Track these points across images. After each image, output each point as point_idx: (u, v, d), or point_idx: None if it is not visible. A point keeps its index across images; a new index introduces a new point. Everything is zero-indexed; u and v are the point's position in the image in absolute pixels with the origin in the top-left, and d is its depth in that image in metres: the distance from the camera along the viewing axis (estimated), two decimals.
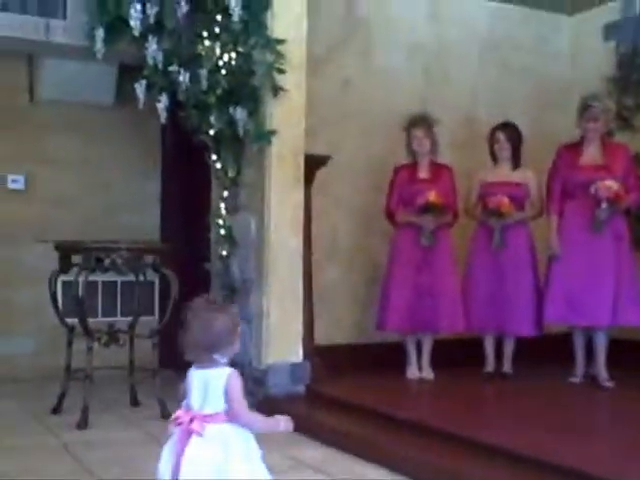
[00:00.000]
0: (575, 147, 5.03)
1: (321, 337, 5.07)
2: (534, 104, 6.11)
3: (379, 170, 5.42)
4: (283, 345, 4.66)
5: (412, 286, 5.00)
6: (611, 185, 4.71)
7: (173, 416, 2.37)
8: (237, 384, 2.30)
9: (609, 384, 4.75)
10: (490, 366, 5.17)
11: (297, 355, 4.69)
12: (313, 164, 4.84)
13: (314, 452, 3.83)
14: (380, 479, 3.40)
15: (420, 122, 5.12)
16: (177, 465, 2.27)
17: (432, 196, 4.95)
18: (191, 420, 2.29)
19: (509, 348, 5.17)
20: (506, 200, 5.00)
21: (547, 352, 5.30)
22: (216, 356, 2.31)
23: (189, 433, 2.29)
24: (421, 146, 5.13)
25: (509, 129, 5.19)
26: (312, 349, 4.86)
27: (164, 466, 2.33)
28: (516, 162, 5.20)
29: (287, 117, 4.67)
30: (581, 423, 3.93)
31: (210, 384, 2.30)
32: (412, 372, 5.10)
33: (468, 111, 5.93)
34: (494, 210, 5.03)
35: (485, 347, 5.19)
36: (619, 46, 6.06)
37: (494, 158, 5.25)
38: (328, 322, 5.26)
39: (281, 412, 4.45)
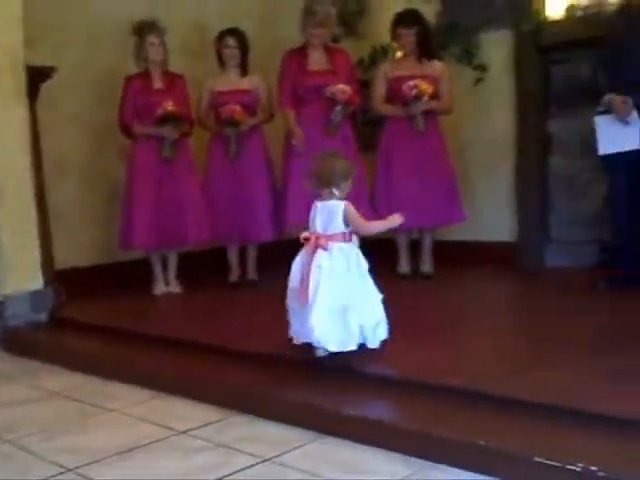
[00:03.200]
0: (300, 52, 5.13)
1: (61, 261, 4.84)
2: (262, 9, 6.11)
3: (109, 81, 5.17)
4: (20, 273, 4.41)
5: (155, 200, 4.91)
6: (345, 89, 4.90)
7: (302, 236, 3.10)
8: (352, 209, 3.09)
9: None
10: (235, 275, 5.28)
11: (37, 282, 4.47)
12: (37, 76, 4.51)
13: (63, 380, 3.71)
14: (131, 395, 3.38)
15: (154, 28, 4.94)
16: (307, 271, 3.04)
17: (171, 106, 4.84)
18: (317, 238, 3.04)
19: (252, 255, 5.29)
20: (238, 108, 5.02)
21: (287, 256, 5.49)
22: (334, 190, 3.10)
23: (316, 247, 3.05)
24: (157, 54, 4.97)
25: (238, 34, 5.16)
26: (52, 274, 4.64)
27: (294, 274, 3.15)
28: (245, 68, 5.20)
29: (2, 24, 4.28)
30: None
31: (332, 212, 3.08)
32: (159, 288, 5.07)
33: (197, 17, 5.79)
34: (228, 119, 5.03)
35: (229, 257, 5.27)
36: None
37: (222, 64, 5.21)
38: (68, 245, 5.03)
39: (23, 343, 4.30)
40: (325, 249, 3.05)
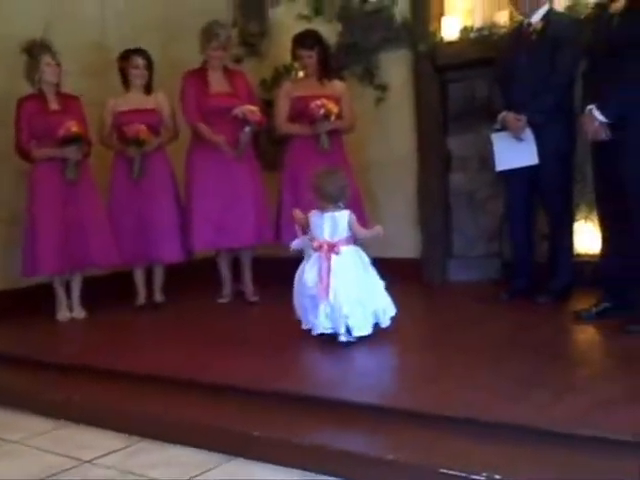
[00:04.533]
0: (200, 74, 5.13)
1: None
2: (163, 30, 6.06)
3: (2, 102, 4.99)
4: None
5: (60, 224, 4.78)
6: (254, 109, 4.95)
7: (314, 244, 3.66)
8: (354, 217, 3.71)
9: (256, 299, 5.05)
10: (141, 298, 5.20)
11: None
12: None
13: None
14: (34, 426, 3.28)
15: (47, 49, 4.84)
16: (327, 273, 3.59)
17: (74, 126, 4.76)
18: (330, 245, 3.62)
19: (159, 277, 5.22)
20: (144, 127, 4.97)
21: (195, 277, 5.47)
22: (339, 203, 3.67)
23: (330, 253, 3.61)
24: (54, 75, 4.87)
25: (145, 54, 5.12)
26: None
27: (311, 277, 3.65)
28: (149, 88, 5.17)
29: None
30: (234, 339, 4.12)
31: (338, 221, 3.67)
32: (63, 314, 4.94)
33: (97, 37, 5.70)
34: (133, 139, 4.97)
35: (135, 279, 5.19)
36: None
37: (126, 84, 5.15)
38: None
39: None
40: (338, 253, 3.63)
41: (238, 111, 4.93)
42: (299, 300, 3.77)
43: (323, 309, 3.63)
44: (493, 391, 2.84)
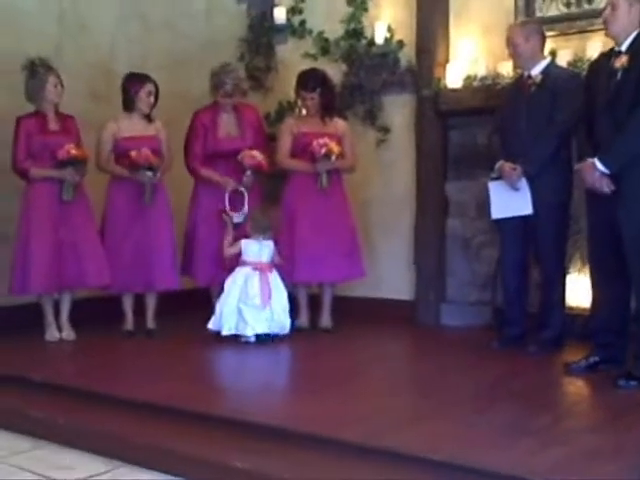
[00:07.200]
0: (211, 115, 5.19)
1: None
2: (171, 59, 6.12)
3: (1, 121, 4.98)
4: None
5: (53, 243, 4.77)
6: (255, 154, 5.04)
7: (253, 265, 4.72)
8: (276, 247, 4.82)
9: None
10: (129, 324, 5.14)
11: None
12: None
13: None
14: (14, 445, 3.24)
15: (51, 69, 4.86)
16: (267, 287, 4.67)
17: (74, 149, 4.77)
18: (268, 266, 4.75)
19: (152, 303, 5.17)
20: (151, 153, 4.94)
21: (186, 304, 5.45)
22: (267, 234, 4.77)
23: (267, 272, 4.71)
24: (58, 95, 4.89)
25: (155, 82, 5.12)
26: None
27: (253, 289, 4.65)
28: (150, 116, 5.17)
29: None
30: (216, 372, 4.12)
31: (269, 247, 4.78)
32: (51, 334, 4.90)
33: (107, 62, 5.75)
34: (145, 165, 4.89)
35: (124, 304, 5.14)
36: (250, 9, 6.33)
37: (130, 108, 5.11)
38: None
39: None
40: (272, 272, 4.71)
41: (240, 157, 5.05)
42: (231, 308, 4.64)
43: (264, 315, 4.63)
44: (479, 437, 2.83)
